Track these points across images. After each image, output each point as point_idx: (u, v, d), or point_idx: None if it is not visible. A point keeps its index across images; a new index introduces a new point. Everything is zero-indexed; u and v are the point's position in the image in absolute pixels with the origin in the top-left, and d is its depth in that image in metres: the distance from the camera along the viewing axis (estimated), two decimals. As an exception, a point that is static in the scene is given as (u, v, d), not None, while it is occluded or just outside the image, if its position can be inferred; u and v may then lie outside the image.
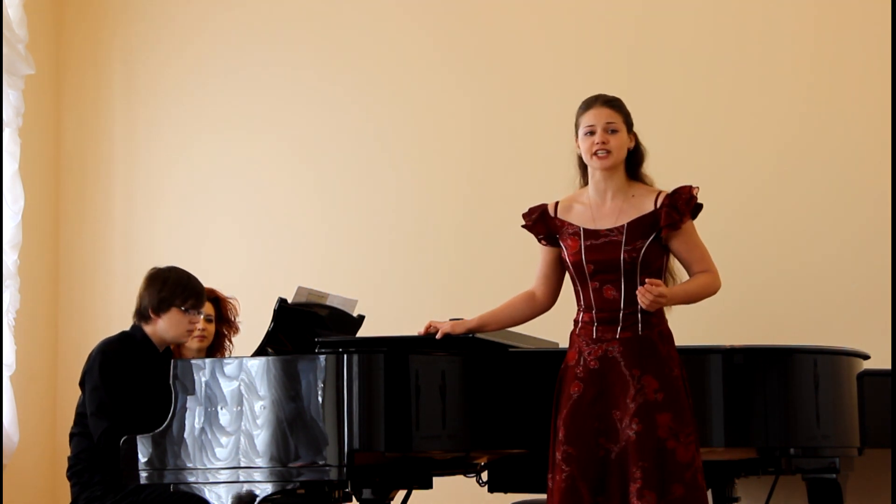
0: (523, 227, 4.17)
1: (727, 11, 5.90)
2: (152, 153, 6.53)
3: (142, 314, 4.70)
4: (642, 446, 3.85)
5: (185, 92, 6.51)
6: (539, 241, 4.14)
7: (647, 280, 3.90)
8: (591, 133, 4.01)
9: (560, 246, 4.08)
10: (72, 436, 4.70)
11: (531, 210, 4.15)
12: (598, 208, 4.04)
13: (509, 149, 6.09)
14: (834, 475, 4.45)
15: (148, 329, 4.68)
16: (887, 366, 4.95)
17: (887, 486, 5.22)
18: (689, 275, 4.06)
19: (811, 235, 5.69)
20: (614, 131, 4.00)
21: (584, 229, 4.02)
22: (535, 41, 6.12)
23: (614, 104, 4.04)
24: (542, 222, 4.11)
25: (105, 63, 6.62)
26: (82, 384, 4.65)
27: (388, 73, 6.27)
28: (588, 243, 3.99)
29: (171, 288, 4.68)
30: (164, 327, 4.68)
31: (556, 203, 4.13)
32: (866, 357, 4.76)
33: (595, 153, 4.00)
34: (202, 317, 4.79)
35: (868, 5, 5.71)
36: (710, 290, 4.04)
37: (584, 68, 6.01)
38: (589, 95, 4.13)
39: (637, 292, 3.89)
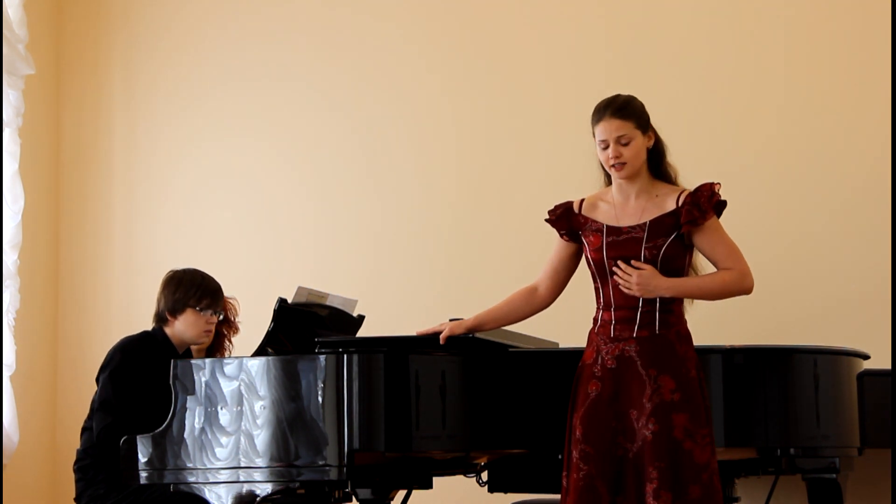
0: (546, 220, 4.17)
1: (726, 12, 5.89)
2: (152, 153, 6.53)
3: (160, 317, 4.74)
4: (658, 446, 3.84)
5: (185, 92, 6.51)
6: (560, 236, 4.14)
7: (632, 262, 3.91)
8: (605, 146, 4.00)
9: (581, 242, 4.08)
10: (84, 429, 4.71)
11: (556, 206, 4.15)
12: (621, 207, 4.04)
13: (509, 149, 6.10)
14: (834, 475, 4.45)
15: (168, 331, 4.72)
16: (887, 366, 4.95)
17: (887, 486, 5.22)
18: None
19: (811, 235, 5.69)
20: (626, 143, 3.98)
21: (606, 226, 4.02)
22: (535, 42, 6.11)
23: (623, 112, 3.99)
24: (565, 218, 4.11)
25: (105, 63, 6.63)
26: (97, 379, 4.67)
27: (388, 74, 6.27)
28: (610, 240, 3.99)
29: (185, 289, 4.71)
30: (181, 328, 4.70)
31: (582, 200, 4.13)
32: (866, 357, 4.76)
33: (612, 166, 4.00)
34: (220, 317, 4.80)
35: (867, 5, 5.71)
36: (734, 289, 4.00)
37: (583, 69, 6.01)
38: (598, 98, 4.08)
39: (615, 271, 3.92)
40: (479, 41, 6.18)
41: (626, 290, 3.93)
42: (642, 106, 4.06)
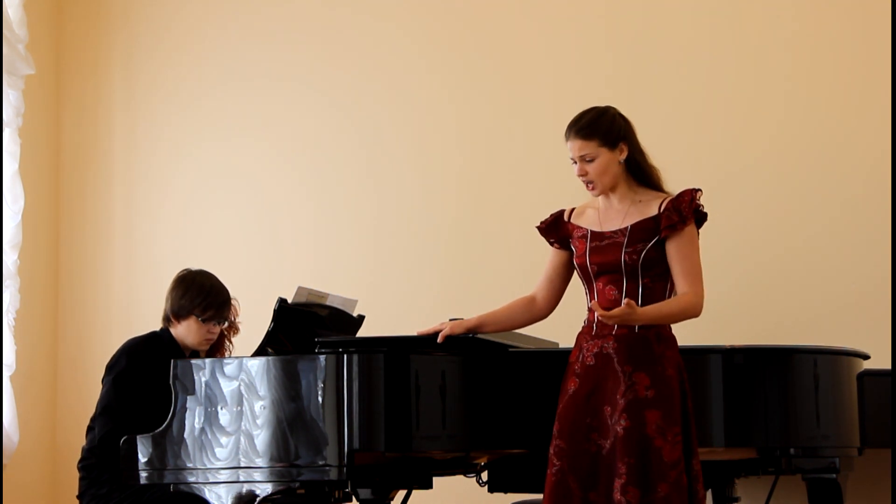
0: (537, 227, 4.20)
1: (726, 14, 5.89)
2: (152, 153, 6.53)
3: (166, 316, 4.73)
4: (629, 442, 3.86)
5: (186, 92, 6.51)
6: (551, 244, 4.17)
7: (626, 301, 3.88)
8: (574, 163, 4.05)
9: (571, 250, 4.11)
10: (89, 428, 4.71)
11: (550, 215, 4.19)
12: (605, 212, 4.08)
13: (509, 150, 6.09)
14: (834, 475, 4.45)
15: (173, 331, 4.71)
16: (887, 366, 4.95)
17: (887, 486, 5.22)
18: (675, 286, 4.01)
19: (811, 235, 5.69)
20: (590, 160, 4.01)
21: (591, 231, 4.05)
22: (537, 43, 6.11)
23: (584, 131, 4.02)
24: (553, 227, 4.16)
25: (105, 63, 6.62)
26: (103, 380, 4.67)
27: (388, 74, 6.27)
28: (593, 245, 4.02)
29: (192, 296, 4.68)
30: (182, 333, 4.70)
31: (573, 209, 4.17)
32: (866, 357, 4.77)
33: (584, 183, 4.05)
34: (224, 325, 4.78)
35: (868, 7, 5.71)
36: (688, 314, 3.97)
37: (585, 70, 6.01)
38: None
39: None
40: (480, 41, 6.18)
41: (617, 323, 3.92)
42: (612, 119, 4.06)
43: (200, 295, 4.69)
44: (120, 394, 4.54)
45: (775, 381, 4.39)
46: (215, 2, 6.52)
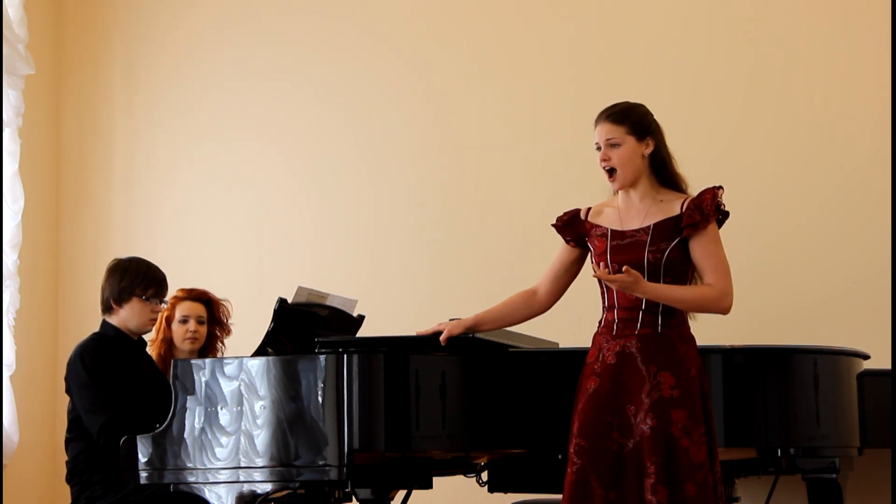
0: (553, 226, 4.17)
1: (731, 14, 5.90)
2: (152, 153, 6.53)
3: (106, 306, 4.73)
4: (656, 442, 3.85)
5: (186, 92, 6.51)
6: (567, 242, 4.15)
7: (624, 268, 3.87)
8: (598, 148, 4.02)
9: (587, 248, 4.10)
10: (67, 441, 4.70)
11: (564, 214, 4.16)
12: (626, 211, 4.04)
13: (509, 149, 6.09)
14: (834, 475, 4.45)
15: (114, 321, 4.71)
16: (887, 366, 4.96)
17: (887, 486, 5.23)
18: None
19: (811, 235, 5.69)
20: (615, 146, 3.99)
21: (611, 230, 4.02)
22: (535, 44, 6.12)
23: (615, 117, 4.01)
24: (570, 226, 4.13)
25: (105, 63, 6.63)
26: (68, 390, 4.66)
27: (386, 77, 6.27)
28: (614, 244, 3.99)
29: (131, 278, 4.70)
30: (126, 317, 4.70)
31: (589, 208, 4.14)
32: (866, 357, 4.77)
33: (605, 171, 4.01)
34: (164, 306, 4.79)
35: (867, 6, 5.71)
36: (710, 306, 3.96)
37: (583, 71, 6.01)
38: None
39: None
40: (480, 44, 6.18)
41: (619, 290, 3.91)
42: (644, 114, 4.05)
43: (139, 275, 4.71)
44: (101, 385, 4.54)
45: (775, 381, 4.39)
46: (215, 3, 6.52)
